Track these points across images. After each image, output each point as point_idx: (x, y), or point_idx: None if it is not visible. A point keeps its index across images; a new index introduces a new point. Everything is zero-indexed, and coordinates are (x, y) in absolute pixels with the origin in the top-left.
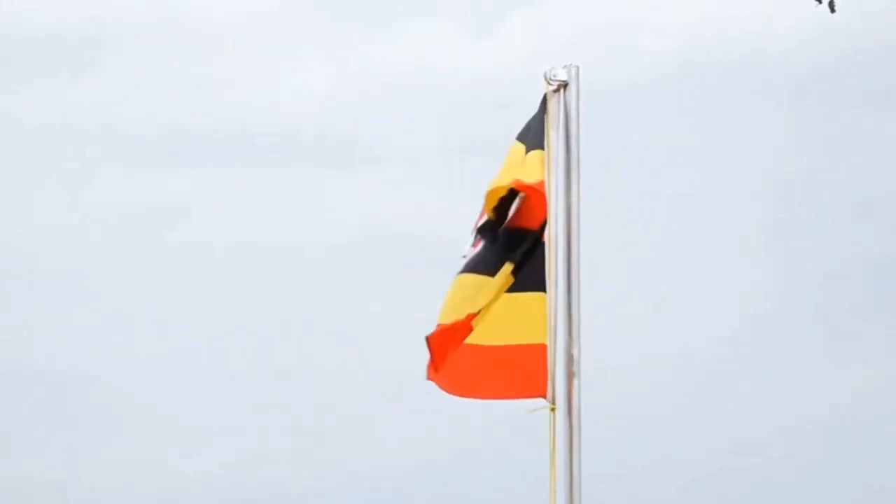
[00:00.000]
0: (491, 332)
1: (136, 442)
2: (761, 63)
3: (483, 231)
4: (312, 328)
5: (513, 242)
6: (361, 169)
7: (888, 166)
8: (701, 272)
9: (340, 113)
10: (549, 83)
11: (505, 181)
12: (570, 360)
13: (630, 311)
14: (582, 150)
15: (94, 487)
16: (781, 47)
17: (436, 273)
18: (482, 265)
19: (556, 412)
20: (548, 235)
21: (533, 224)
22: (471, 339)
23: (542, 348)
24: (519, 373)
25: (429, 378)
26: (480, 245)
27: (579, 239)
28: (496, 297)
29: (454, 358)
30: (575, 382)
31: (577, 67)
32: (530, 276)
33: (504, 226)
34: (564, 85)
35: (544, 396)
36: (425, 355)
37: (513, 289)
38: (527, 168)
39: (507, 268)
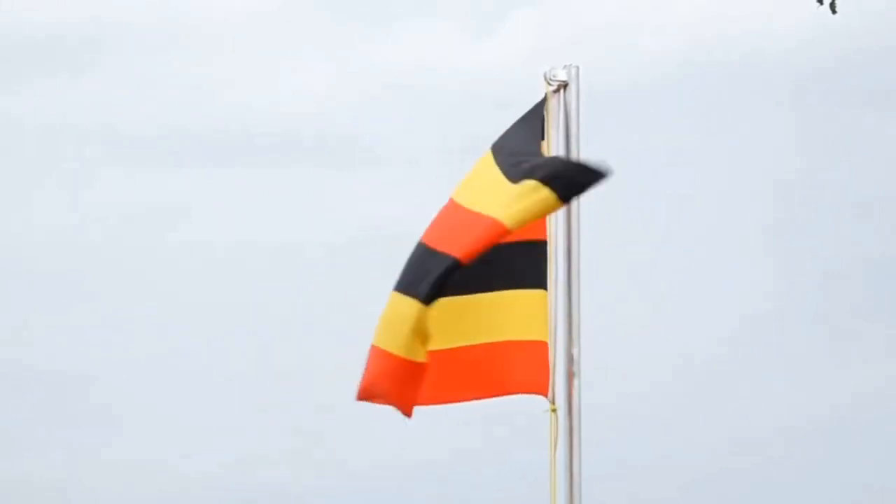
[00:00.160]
0: (488, 329)
1: (136, 442)
2: (761, 63)
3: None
4: (312, 328)
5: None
6: (361, 169)
7: (888, 166)
8: (701, 272)
9: (340, 113)
10: (549, 83)
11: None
12: (570, 360)
13: (630, 311)
14: (582, 150)
15: (94, 487)
16: (781, 47)
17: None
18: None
19: (556, 412)
20: (548, 235)
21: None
22: (458, 343)
23: (543, 345)
24: (520, 368)
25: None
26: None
27: (579, 239)
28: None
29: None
30: (575, 382)
31: (578, 67)
32: (531, 274)
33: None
34: (564, 85)
35: (545, 394)
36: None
37: (513, 286)
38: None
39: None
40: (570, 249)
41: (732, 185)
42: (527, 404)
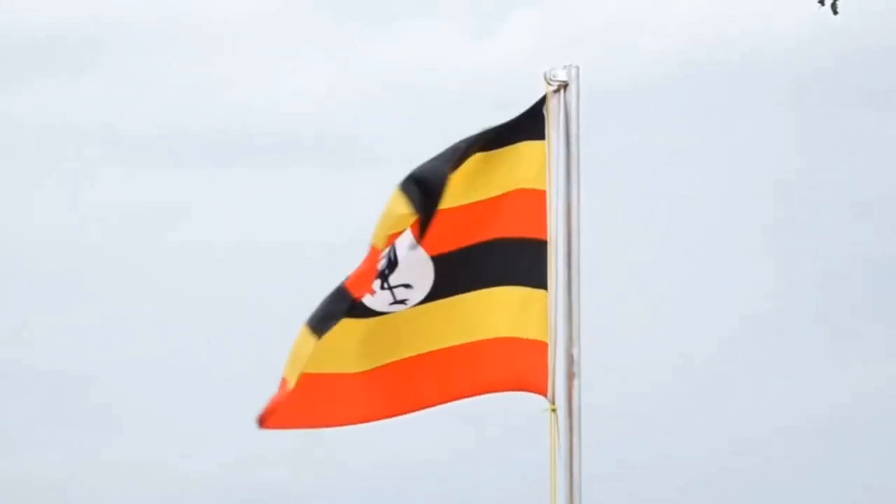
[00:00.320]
0: (487, 326)
1: (136, 442)
2: (761, 63)
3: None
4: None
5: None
6: (361, 169)
7: (888, 166)
8: (701, 272)
9: (340, 113)
10: (549, 83)
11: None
12: (570, 360)
13: (630, 311)
14: (582, 150)
15: (94, 487)
16: (781, 47)
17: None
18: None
19: (557, 412)
20: (548, 235)
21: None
22: (457, 341)
23: (542, 345)
24: (520, 366)
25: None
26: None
27: (579, 239)
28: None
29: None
30: (575, 383)
31: (578, 68)
32: (533, 272)
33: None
34: (565, 85)
35: (545, 394)
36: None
37: (513, 282)
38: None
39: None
40: (570, 249)
41: (732, 185)
42: (526, 404)
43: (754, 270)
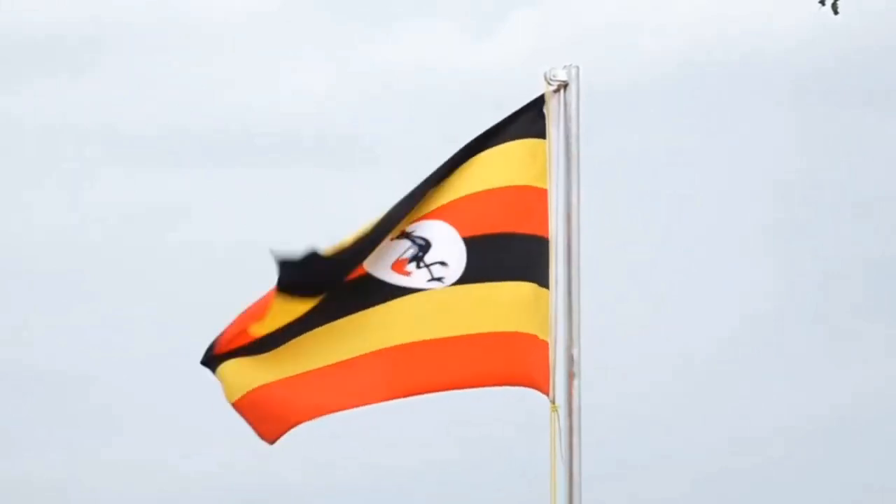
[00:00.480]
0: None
1: (136, 442)
2: (761, 63)
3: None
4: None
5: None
6: (361, 169)
7: (888, 166)
8: (701, 272)
9: (340, 113)
10: (549, 83)
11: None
12: (570, 360)
13: (630, 311)
14: (582, 150)
15: (94, 487)
16: (781, 47)
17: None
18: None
19: (557, 412)
20: (549, 235)
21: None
22: (447, 333)
23: (544, 344)
24: (521, 360)
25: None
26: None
27: (579, 239)
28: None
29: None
30: (575, 383)
31: (578, 67)
32: (538, 271)
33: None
34: (564, 85)
35: (547, 393)
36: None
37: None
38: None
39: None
40: (571, 249)
41: (732, 185)
42: (526, 404)
43: (754, 270)
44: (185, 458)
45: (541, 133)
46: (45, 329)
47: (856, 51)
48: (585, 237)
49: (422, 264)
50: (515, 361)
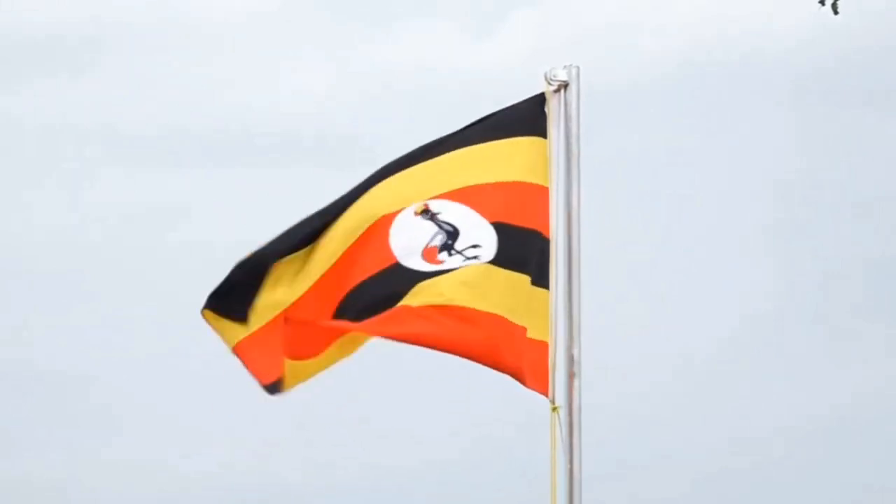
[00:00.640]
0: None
1: (136, 442)
2: (761, 63)
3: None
4: None
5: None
6: (361, 169)
7: (888, 166)
8: (701, 272)
9: (340, 113)
10: (549, 83)
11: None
12: (570, 360)
13: (630, 311)
14: (582, 150)
15: (94, 487)
16: (781, 47)
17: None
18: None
19: (558, 412)
20: (549, 235)
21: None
22: (454, 301)
23: (543, 345)
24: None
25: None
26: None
27: (580, 239)
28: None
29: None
30: (575, 383)
31: (578, 68)
32: (541, 271)
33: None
34: (565, 85)
35: (546, 394)
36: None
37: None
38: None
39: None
40: (571, 249)
41: (732, 185)
42: (526, 404)
43: (754, 270)
44: (185, 458)
45: (543, 132)
46: (45, 329)
47: (856, 51)
48: (585, 237)
49: (453, 251)
50: (521, 357)
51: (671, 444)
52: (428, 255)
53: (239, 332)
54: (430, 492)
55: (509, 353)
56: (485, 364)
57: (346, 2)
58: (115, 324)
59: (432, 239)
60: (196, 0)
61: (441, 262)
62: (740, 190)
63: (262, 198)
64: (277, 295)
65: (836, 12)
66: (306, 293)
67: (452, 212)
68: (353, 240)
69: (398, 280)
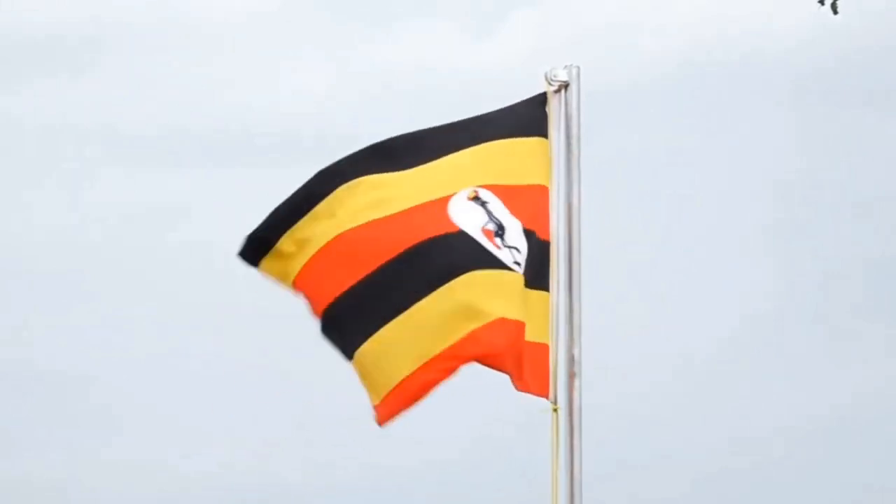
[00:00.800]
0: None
1: (136, 442)
2: (761, 63)
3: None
4: (312, 328)
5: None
6: None
7: (888, 166)
8: (701, 272)
9: (340, 113)
10: (549, 83)
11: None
12: (570, 360)
13: (630, 311)
14: (582, 150)
15: (94, 487)
16: (781, 47)
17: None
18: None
19: (558, 412)
20: (549, 236)
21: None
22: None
23: (544, 348)
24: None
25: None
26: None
27: (580, 239)
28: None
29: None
30: (576, 383)
31: (578, 68)
32: (536, 274)
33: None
34: (565, 85)
35: (547, 397)
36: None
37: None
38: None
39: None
40: (571, 250)
41: (732, 185)
42: (526, 404)
43: (754, 270)
44: (185, 458)
45: (544, 132)
46: (45, 329)
47: (856, 51)
48: (586, 237)
49: (503, 244)
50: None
51: (671, 444)
52: (486, 234)
53: (287, 264)
54: (430, 492)
55: (512, 355)
56: (489, 365)
57: (346, 2)
58: (115, 324)
59: (487, 223)
60: (196, 0)
61: (498, 247)
62: (740, 190)
63: (262, 198)
64: (321, 227)
65: (835, 12)
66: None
67: (495, 205)
68: (401, 208)
69: (464, 246)
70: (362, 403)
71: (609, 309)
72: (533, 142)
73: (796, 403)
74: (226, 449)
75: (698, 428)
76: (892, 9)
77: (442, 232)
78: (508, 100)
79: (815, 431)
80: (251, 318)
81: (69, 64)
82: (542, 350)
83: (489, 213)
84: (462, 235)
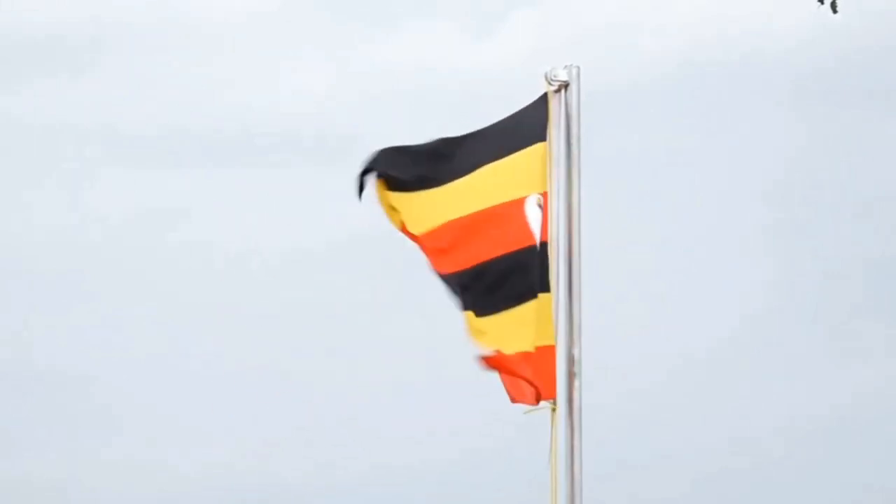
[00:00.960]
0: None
1: (136, 442)
2: (761, 63)
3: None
4: (312, 328)
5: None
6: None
7: (888, 166)
8: (701, 272)
9: (340, 113)
10: (549, 83)
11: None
12: (570, 360)
13: (630, 311)
14: (582, 150)
15: (94, 487)
16: (781, 47)
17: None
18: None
19: (557, 411)
20: (549, 236)
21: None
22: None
23: (551, 350)
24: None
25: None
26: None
27: (580, 239)
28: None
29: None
30: (576, 383)
31: (578, 68)
32: (537, 280)
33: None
34: (565, 85)
35: (553, 398)
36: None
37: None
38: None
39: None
40: (571, 250)
41: (732, 185)
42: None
43: (754, 270)
44: (185, 458)
45: (541, 137)
46: (45, 329)
47: (856, 51)
48: (586, 238)
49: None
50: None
51: (671, 444)
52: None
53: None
54: (430, 492)
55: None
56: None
57: (346, 2)
58: (115, 324)
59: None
60: (196, 0)
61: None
62: (740, 190)
63: (262, 198)
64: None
65: (834, 11)
66: (440, 228)
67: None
68: (483, 207)
69: (534, 262)
70: (362, 403)
71: (609, 309)
72: (529, 151)
73: (796, 403)
74: (226, 449)
75: (698, 428)
76: (892, 9)
77: (517, 247)
78: (508, 100)
79: (815, 431)
80: (251, 318)
81: (69, 64)
82: (549, 353)
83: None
84: (534, 250)
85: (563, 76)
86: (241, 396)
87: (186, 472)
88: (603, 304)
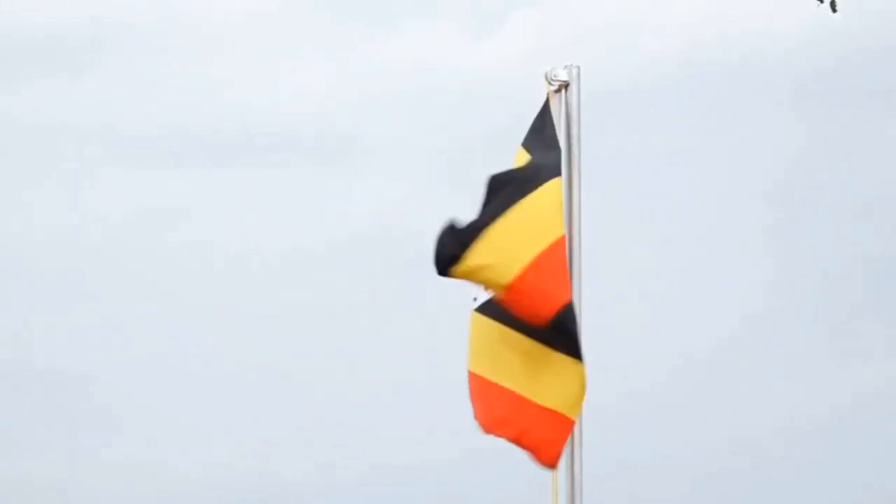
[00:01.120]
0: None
1: (136, 442)
2: (761, 63)
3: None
4: (312, 328)
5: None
6: (361, 169)
7: (888, 166)
8: (701, 272)
9: (340, 113)
10: (550, 83)
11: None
12: None
13: (630, 311)
14: (582, 150)
15: (94, 487)
16: (781, 47)
17: (436, 273)
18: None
19: None
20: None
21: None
22: (507, 384)
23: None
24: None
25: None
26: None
27: (580, 239)
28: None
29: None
30: None
31: (579, 68)
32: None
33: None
34: (565, 85)
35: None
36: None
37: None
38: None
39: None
40: (572, 249)
41: (732, 185)
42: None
43: (754, 270)
44: (185, 458)
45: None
46: (45, 329)
47: (856, 51)
48: (586, 238)
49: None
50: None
51: (671, 444)
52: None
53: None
54: (430, 492)
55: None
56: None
57: (346, 2)
58: (115, 324)
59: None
60: (196, 0)
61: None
62: (740, 190)
63: (262, 198)
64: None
65: (834, 10)
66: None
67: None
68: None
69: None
70: (362, 403)
71: (609, 309)
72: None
73: (796, 403)
74: (226, 449)
75: (698, 428)
76: (892, 9)
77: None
78: (508, 100)
79: (815, 431)
80: (251, 318)
81: (69, 64)
82: (569, 425)
83: None
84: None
85: (563, 76)
86: (241, 396)
87: (186, 472)
88: (603, 304)
